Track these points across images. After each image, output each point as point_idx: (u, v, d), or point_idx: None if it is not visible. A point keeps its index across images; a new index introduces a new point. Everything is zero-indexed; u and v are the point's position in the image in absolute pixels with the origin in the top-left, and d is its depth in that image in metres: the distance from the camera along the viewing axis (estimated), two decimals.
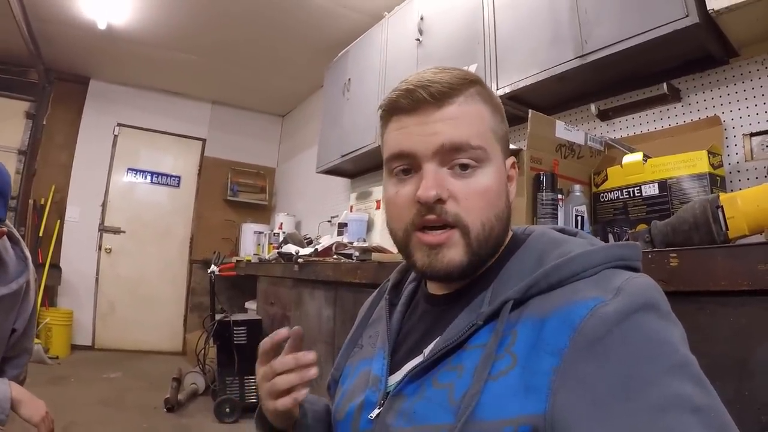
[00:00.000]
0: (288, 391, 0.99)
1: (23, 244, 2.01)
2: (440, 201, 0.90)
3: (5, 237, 1.93)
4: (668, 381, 0.68)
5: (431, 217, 0.90)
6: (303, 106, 7.82)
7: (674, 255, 1.46)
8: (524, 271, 0.88)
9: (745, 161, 2.33)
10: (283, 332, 1.02)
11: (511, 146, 2.52)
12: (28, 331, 2.12)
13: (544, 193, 2.28)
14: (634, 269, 0.86)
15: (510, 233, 1.02)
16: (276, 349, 1.03)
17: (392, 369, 0.99)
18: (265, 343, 1.03)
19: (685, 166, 2.07)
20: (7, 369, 2.06)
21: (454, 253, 0.91)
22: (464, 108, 0.92)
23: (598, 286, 0.79)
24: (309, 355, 0.99)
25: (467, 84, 0.94)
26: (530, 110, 2.37)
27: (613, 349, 0.71)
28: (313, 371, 0.99)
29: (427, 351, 0.93)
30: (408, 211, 0.94)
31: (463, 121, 0.91)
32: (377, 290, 1.26)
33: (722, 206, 1.55)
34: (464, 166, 0.91)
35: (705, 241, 1.54)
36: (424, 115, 0.92)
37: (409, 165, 0.94)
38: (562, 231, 1.00)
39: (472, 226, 0.90)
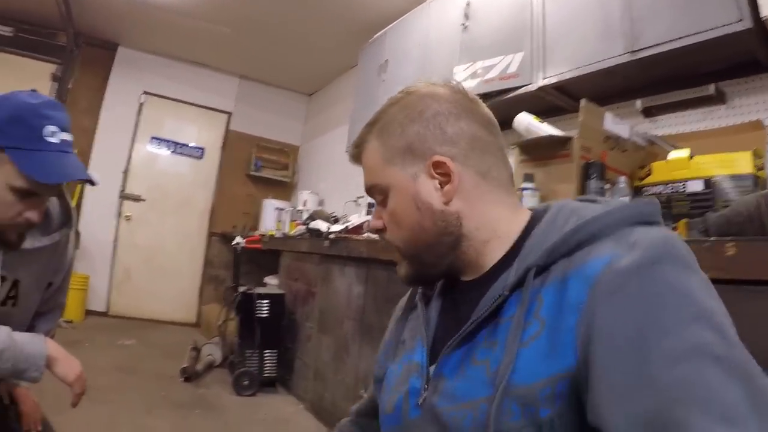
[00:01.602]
0: None
1: (67, 196, 1.95)
2: (380, 230, 1.10)
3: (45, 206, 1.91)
4: (686, 330, 0.68)
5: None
6: (331, 86, 7.79)
7: (731, 244, 1.47)
8: (546, 241, 0.91)
9: None
10: None
11: (560, 134, 2.54)
12: (63, 285, 2.12)
13: (592, 182, 2.30)
14: (654, 224, 0.87)
15: (526, 215, 1.05)
16: None
17: (434, 357, 1.03)
18: None
19: (730, 165, 2.08)
20: (39, 324, 2.04)
21: (402, 268, 1.09)
22: (365, 158, 1.11)
23: (615, 243, 0.81)
24: None
25: (367, 133, 1.10)
26: (583, 100, 2.38)
27: (630, 299, 0.73)
28: None
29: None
30: None
31: (366, 168, 1.10)
32: (410, 290, 1.30)
33: None
34: (380, 201, 1.09)
35: (758, 233, 1.57)
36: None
37: None
38: (582, 200, 1.02)
39: (399, 245, 1.07)
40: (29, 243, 1.75)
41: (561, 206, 0.98)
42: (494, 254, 1.01)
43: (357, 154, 1.12)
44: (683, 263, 0.77)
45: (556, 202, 1.01)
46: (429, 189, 1.02)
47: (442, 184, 1.01)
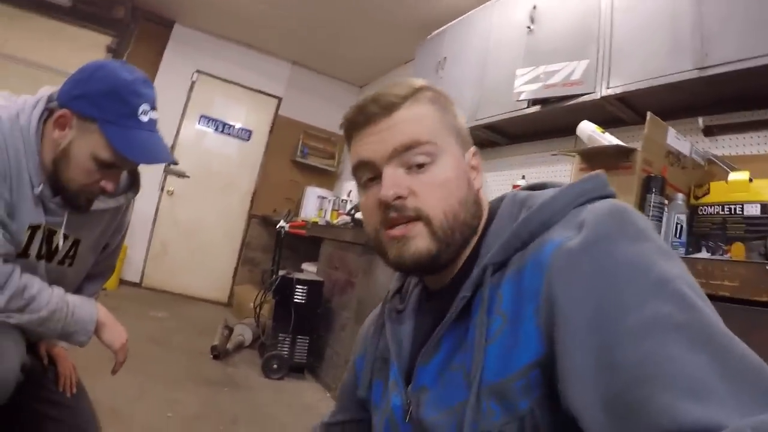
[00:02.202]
0: None
1: None
2: (400, 198, 0.95)
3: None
4: (644, 302, 0.67)
5: (394, 215, 0.96)
6: (383, 79, 7.77)
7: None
8: (499, 237, 0.92)
9: None
10: None
11: (625, 144, 2.51)
12: (117, 249, 2.16)
13: (653, 196, 2.28)
14: (604, 198, 0.87)
15: (485, 214, 1.05)
16: None
17: (411, 372, 1.03)
18: None
19: None
20: (87, 285, 2.07)
21: (420, 242, 0.96)
22: (411, 110, 0.99)
23: (564, 226, 0.83)
24: None
25: (413, 91, 1.01)
26: (649, 113, 2.35)
27: (583, 279, 0.73)
28: None
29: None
30: (375, 213, 1.00)
31: (411, 122, 0.98)
32: (379, 307, 1.28)
33: None
34: (420, 164, 0.97)
35: None
36: (376, 125, 1.00)
37: (372, 173, 1.01)
38: (531, 188, 1.04)
39: (434, 216, 0.95)
40: (94, 204, 1.76)
41: (511, 198, 1.01)
42: (464, 255, 1.02)
43: (392, 106, 0.99)
44: (633, 232, 0.76)
45: (508, 194, 1.03)
46: (470, 173, 1.03)
47: (474, 176, 1.04)
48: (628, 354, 0.65)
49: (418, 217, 0.95)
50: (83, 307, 1.74)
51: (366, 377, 1.20)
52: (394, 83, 1.03)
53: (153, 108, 1.65)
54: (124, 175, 1.92)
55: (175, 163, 1.74)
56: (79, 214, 1.74)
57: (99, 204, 1.78)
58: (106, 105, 1.55)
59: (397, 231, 0.96)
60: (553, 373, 0.74)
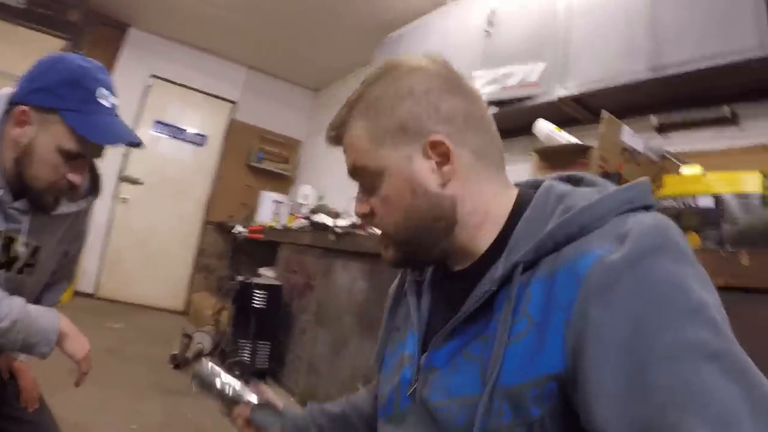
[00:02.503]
0: None
1: (95, 164, 1.91)
2: (364, 216, 1.05)
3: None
4: (681, 327, 0.67)
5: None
6: (339, 83, 7.78)
7: (746, 254, 1.57)
8: (533, 231, 0.88)
9: None
10: None
11: (581, 142, 2.55)
12: (77, 256, 2.10)
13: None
14: (647, 208, 0.85)
15: (511, 196, 1.00)
16: None
17: (426, 347, 1.01)
18: None
19: (739, 184, 2.09)
20: (45, 295, 2.00)
21: (388, 253, 1.05)
22: (348, 138, 1.03)
23: (605, 236, 0.79)
24: None
25: (349, 110, 1.02)
26: (605, 112, 2.40)
27: (622, 296, 0.71)
28: None
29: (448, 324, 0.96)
30: None
31: (348, 151, 1.03)
32: (399, 276, 1.27)
33: None
34: (367, 186, 1.02)
35: None
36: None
37: None
38: (568, 179, 1.01)
39: (389, 231, 1.02)
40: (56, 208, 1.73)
41: (547, 189, 0.95)
42: (485, 240, 0.98)
43: (337, 136, 1.05)
44: (675, 253, 0.74)
45: (544, 182, 0.99)
46: (425, 170, 0.96)
47: (438, 165, 0.96)
48: (661, 377, 0.65)
49: (381, 230, 1.03)
50: (44, 317, 1.69)
51: (381, 348, 1.20)
52: (347, 100, 1.05)
53: (113, 93, 1.63)
54: (86, 178, 1.87)
55: (140, 145, 1.69)
56: (44, 215, 1.69)
57: (61, 208, 1.74)
58: (66, 94, 1.53)
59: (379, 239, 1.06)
60: (573, 388, 0.73)
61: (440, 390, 0.91)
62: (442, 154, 0.96)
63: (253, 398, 1.35)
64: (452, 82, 1.00)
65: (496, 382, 0.80)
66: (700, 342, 0.65)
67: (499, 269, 0.88)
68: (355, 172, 1.02)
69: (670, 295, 0.69)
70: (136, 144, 1.66)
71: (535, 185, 1.01)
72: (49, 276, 1.94)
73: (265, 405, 1.34)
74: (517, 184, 1.05)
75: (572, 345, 0.73)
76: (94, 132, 1.55)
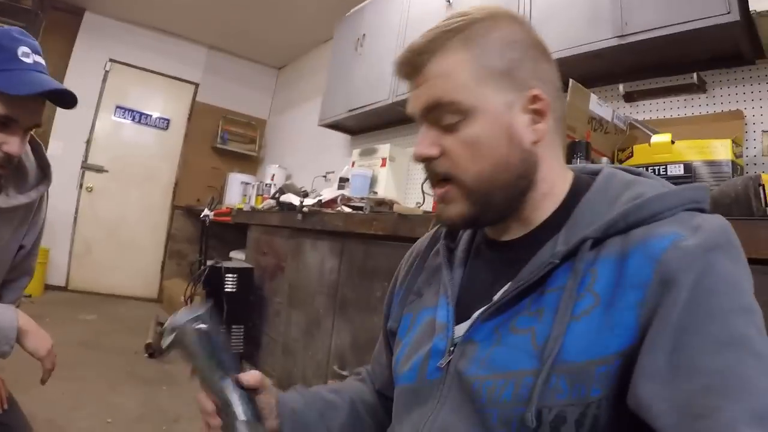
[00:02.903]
0: None
1: (44, 151, 1.90)
2: (430, 159, 0.95)
3: (26, 142, 1.81)
4: (732, 320, 0.70)
5: (428, 174, 0.98)
6: (303, 60, 7.71)
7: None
8: (598, 212, 0.89)
9: (762, 156, 2.43)
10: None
11: None
12: (34, 249, 2.03)
13: (578, 160, 2.30)
14: (704, 211, 0.86)
15: (569, 176, 1.01)
16: None
17: (459, 317, 0.99)
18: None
19: (709, 151, 2.12)
20: (5, 293, 1.95)
21: (455, 208, 0.95)
22: (438, 66, 0.93)
23: (677, 224, 0.80)
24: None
25: (445, 39, 0.93)
26: (571, 80, 2.38)
27: (690, 281, 0.73)
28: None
29: (496, 296, 0.93)
30: (424, 169, 1.00)
31: (437, 79, 0.93)
32: (429, 236, 1.25)
33: (764, 185, 1.61)
34: (450, 123, 0.92)
35: (744, 214, 1.60)
36: (412, 82, 0.98)
37: (418, 126, 0.99)
38: (626, 171, 1.00)
39: (466, 180, 0.92)
40: (4, 201, 1.68)
41: (611, 174, 0.96)
42: (544, 212, 0.97)
43: (420, 63, 0.95)
44: (737, 256, 0.77)
45: (603, 170, 0.98)
46: (521, 123, 0.93)
47: (532, 122, 0.94)
48: (708, 361, 0.67)
49: (450, 179, 0.93)
50: (2, 315, 1.65)
51: (398, 310, 1.18)
52: (433, 28, 0.96)
53: (36, 53, 1.57)
54: (34, 168, 1.83)
55: (71, 100, 1.64)
56: None
57: (9, 201, 1.69)
58: None
59: (437, 191, 0.97)
60: (631, 366, 0.74)
61: (480, 363, 0.88)
62: (538, 112, 0.94)
63: (240, 413, 1.00)
64: (544, 47, 0.99)
65: (557, 358, 0.79)
66: (747, 338, 0.68)
67: (560, 243, 0.88)
68: (435, 106, 0.93)
69: (728, 290, 0.73)
70: (64, 97, 1.60)
71: (588, 171, 1.02)
72: (6, 272, 1.89)
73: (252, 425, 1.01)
74: (571, 168, 1.04)
75: (644, 322, 0.75)
76: (16, 85, 1.48)
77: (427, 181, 1.00)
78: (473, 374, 0.88)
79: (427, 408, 0.95)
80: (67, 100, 1.61)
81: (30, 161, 1.81)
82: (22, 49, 1.53)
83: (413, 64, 0.95)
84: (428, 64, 0.93)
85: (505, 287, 0.92)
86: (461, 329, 0.96)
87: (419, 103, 0.95)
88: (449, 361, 0.94)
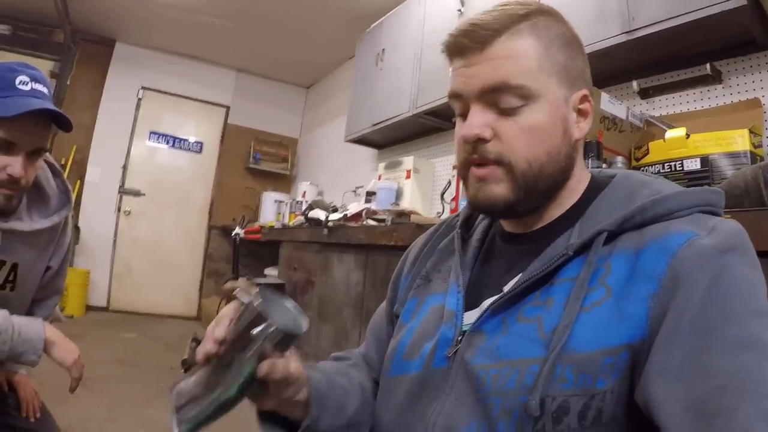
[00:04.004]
0: None
1: (64, 177, 1.96)
2: (483, 140, 0.91)
3: (47, 168, 1.90)
4: (748, 322, 0.69)
5: (475, 156, 0.93)
6: (329, 78, 7.78)
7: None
8: (613, 208, 0.89)
9: None
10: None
11: None
12: (61, 270, 2.09)
13: (589, 161, 2.29)
14: (717, 215, 0.86)
15: (588, 175, 1.02)
16: None
17: (468, 306, 0.98)
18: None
19: (727, 143, 2.08)
20: (36, 310, 2.02)
21: (498, 188, 0.92)
22: (507, 46, 0.90)
23: (693, 224, 0.80)
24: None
25: (515, 21, 0.91)
26: None
27: (704, 280, 0.72)
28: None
29: (507, 287, 0.93)
30: (462, 149, 0.96)
31: (504, 60, 0.90)
32: (442, 224, 1.24)
33: None
34: (509, 105, 0.90)
35: (755, 205, 1.56)
36: (469, 58, 0.93)
37: (464, 106, 0.96)
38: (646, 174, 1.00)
39: (517, 164, 0.91)
40: (28, 225, 1.75)
41: (628, 175, 0.97)
42: (562, 208, 0.98)
43: (487, 38, 0.90)
44: (752, 260, 0.77)
45: (620, 171, 1.00)
46: (571, 119, 0.96)
47: (578, 121, 0.97)
48: (724, 361, 0.66)
49: (500, 161, 0.91)
50: (29, 327, 1.72)
51: (405, 294, 1.16)
52: (499, 6, 0.93)
53: (36, 81, 1.63)
54: (56, 193, 1.91)
55: (65, 123, 1.68)
56: (12, 236, 1.72)
57: (33, 225, 1.77)
58: None
59: (479, 171, 0.93)
60: (640, 360, 0.74)
61: (486, 353, 0.88)
62: (582, 111, 0.97)
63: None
64: (585, 51, 1.01)
65: (564, 347, 0.78)
66: (764, 341, 0.68)
67: (574, 236, 0.89)
68: (498, 88, 0.90)
69: (744, 293, 0.72)
70: (61, 120, 1.66)
71: (605, 174, 1.03)
72: (34, 291, 1.97)
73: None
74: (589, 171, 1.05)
75: (655, 315, 0.74)
76: (7, 108, 1.54)
77: (464, 161, 0.97)
78: (479, 363, 0.87)
79: (433, 397, 0.93)
80: (64, 122, 1.68)
81: (51, 187, 1.89)
82: (20, 78, 1.60)
83: (476, 38, 0.91)
84: (494, 43, 0.90)
85: (516, 278, 0.92)
86: (470, 317, 0.96)
87: (478, 81, 0.91)
88: (456, 350, 0.93)
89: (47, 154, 1.84)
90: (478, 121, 0.91)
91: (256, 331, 0.84)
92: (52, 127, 1.70)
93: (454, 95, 0.96)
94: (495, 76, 0.90)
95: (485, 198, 0.94)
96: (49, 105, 1.63)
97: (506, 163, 0.91)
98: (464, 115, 0.96)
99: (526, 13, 0.92)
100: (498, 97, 0.90)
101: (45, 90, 1.66)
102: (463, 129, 0.93)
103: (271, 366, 0.85)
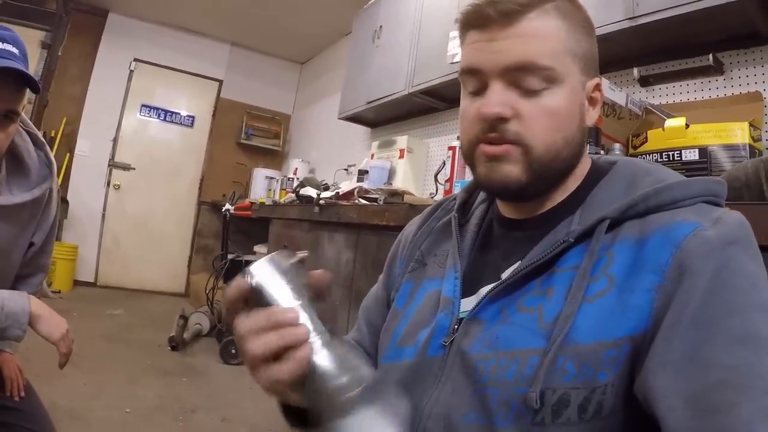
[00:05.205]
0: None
1: (47, 148, 1.89)
2: (502, 119, 0.86)
3: (28, 139, 1.82)
4: (750, 316, 0.68)
5: (493, 134, 0.87)
6: (324, 55, 7.74)
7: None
8: (615, 195, 0.86)
9: None
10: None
11: None
12: (46, 246, 2.01)
13: (588, 146, 2.27)
14: (720, 206, 0.84)
15: (589, 161, 0.99)
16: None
17: (465, 293, 0.96)
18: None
19: (726, 135, 2.06)
20: (20, 287, 1.93)
21: (512, 169, 0.88)
22: (535, 25, 0.86)
23: (697, 214, 0.78)
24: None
25: (541, 1, 0.86)
26: None
27: (707, 272, 0.71)
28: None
29: (505, 274, 0.91)
30: (474, 125, 0.90)
31: (532, 38, 0.85)
32: (438, 206, 1.20)
33: None
34: (532, 86, 0.86)
35: (755, 198, 1.55)
36: (492, 32, 0.87)
37: (479, 82, 0.90)
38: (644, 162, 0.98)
39: (534, 146, 0.87)
40: (6, 199, 1.69)
41: (631, 162, 0.94)
42: (560, 195, 0.95)
43: (516, 12, 0.85)
44: (755, 253, 0.76)
45: (622, 158, 0.97)
46: (585, 106, 0.94)
47: (588, 109, 0.95)
48: (725, 355, 0.65)
49: (517, 142, 0.87)
50: (13, 300, 1.67)
51: (398, 278, 1.15)
52: None
53: (5, 41, 1.54)
54: (37, 165, 1.83)
55: (32, 82, 1.62)
56: None
57: (12, 199, 1.71)
58: None
59: (492, 149, 0.88)
60: (641, 352, 0.72)
61: (484, 342, 0.85)
62: (593, 100, 0.96)
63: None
64: None
65: (566, 338, 0.76)
66: (765, 336, 0.67)
67: (575, 222, 0.86)
68: (525, 67, 0.85)
69: (747, 286, 0.71)
70: (29, 81, 1.60)
71: (605, 161, 1.00)
72: (17, 268, 1.92)
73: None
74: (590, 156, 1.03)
75: (658, 307, 0.73)
76: None
77: (473, 139, 0.91)
78: (477, 353, 0.85)
79: (427, 386, 0.91)
80: (33, 84, 1.59)
81: (32, 159, 1.81)
82: None
83: (504, 11, 0.85)
84: (523, 18, 0.85)
85: (515, 265, 0.90)
86: (467, 305, 0.93)
87: (504, 58, 0.86)
88: (453, 339, 0.90)
89: (29, 123, 1.78)
90: (500, 99, 0.86)
91: None
92: (25, 90, 1.62)
93: (471, 70, 0.91)
94: (523, 54, 0.85)
95: (500, 178, 0.89)
96: (18, 65, 1.54)
97: (524, 144, 0.87)
98: (477, 92, 0.91)
99: None
100: (522, 76, 0.86)
101: (15, 51, 1.57)
102: (483, 106, 0.87)
103: None
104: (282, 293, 0.75)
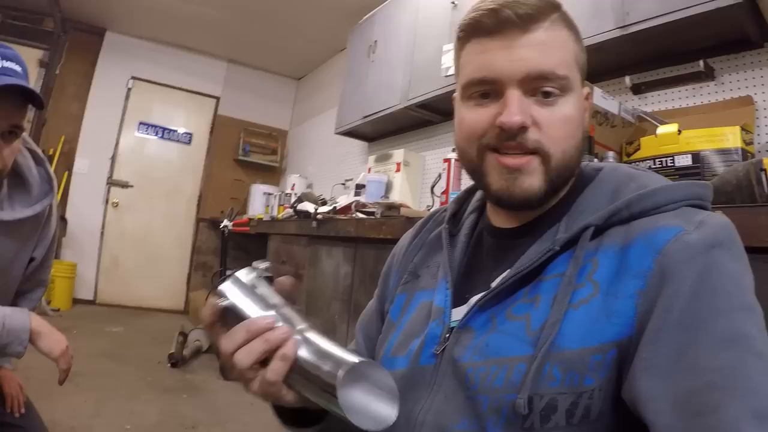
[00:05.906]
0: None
1: (48, 164, 1.91)
2: (523, 128, 0.85)
3: (29, 156, 1.85)
4: (735, 318, 0.68)
5: (512, 143, 0.86)
6: (320, 70, 7.77)
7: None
8: (600, 202, 0.87)
9: None
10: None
11: None
12: (45, 261, 2.04)
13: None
14: (705, 209, 0.85)
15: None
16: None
17: (456, 302, 0.96)
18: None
19: (719, 140, 2.07)
20: (20, 303, 1.97)
21: (533, 180, 0.87)
22: (550, 34, 0.86)
23: (680, 218, 0.79)
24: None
25: (552, 8, 0.88)
26: None
27: (691, 276, 0.71)
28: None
29: (494, 283, 0.90)
30: (485, 132, 0.89)
31: (549, 48, 0.86)
32: (429, 218, 1.21)
33: (766, 169, 1.57)
34: (547, 94, 0.86)
35: (747, 201, 1.56)
36: (508, 39, 0.86)
37: (488, 88, 0.89)
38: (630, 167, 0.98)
39: (553, 155, 0.86)
40: (9, 215, 1.71)
41: (615, 168, 0.94)
42: (550, 202, 0.95)
43: (537, 18, 0.86)
44: (739, 255, 0.76)
45: (607, 164, 0.97)
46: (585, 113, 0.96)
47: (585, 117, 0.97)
48: (711, 358, 0.66)
49: (536, 151, 0.86)
50: (14, 317, 1.68)
51: (392, 290, 1.15)
52: None
53: (7, 59, 1.57)
54: (38, 181, 1.85)
55: (35, 98, 1.63)
56: None
57: (14, 214, 1.72)
58: None
59: (512, 160, 0.87)
60: (627, 357, 0.73)
61: (474, 350, 0.86)
62: (587, 108, 0.97)
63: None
64: None
65: (552, 345, 0.77)
66: (750, 337, 0.67)
67: (561, 231, 0.87)
68: (545, 76, 0.85)
69: (731, 288, 0.71)
70: (33, 97, 1.61)
71: (591, 167, 0.99)
72: (18, 283, 1.93)
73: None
74: None
75: (642, 312, 0.73)
76: None
77: (483, 147, 0.90)
78: (467, 361, 0.86)
79: (419, 395, 0.92)
80: (37, 100, 1.61)
81: (33, 175, 1.83)
82: None
83: (522, 17, 0.85)
84: (539, 28, 0.86)
85: (504, 274, 0.90)
86: (458, 314, 0.94)
87: (524, 66, 0.85)
88: (444, 348, 0.91)
89: (29, 140, 1.80)
90: (520, 107, 0.85)
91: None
92: (28, 106, 1.64)
93: (486, 80, 0.89)
94: (544, 63, 0.85)
95: (521, 192, 0.88)
96: (22, 82, 1.56)
97: (544, 152, 0.87)
98: (486, 99, 0.90)
99: (557, 4, 0.90)
100: (540, 84, 0.86)
101: (18, 68, 1.60)
102: (505, 115, 0.85)
103: None
104: (253, 305, 0.84)
